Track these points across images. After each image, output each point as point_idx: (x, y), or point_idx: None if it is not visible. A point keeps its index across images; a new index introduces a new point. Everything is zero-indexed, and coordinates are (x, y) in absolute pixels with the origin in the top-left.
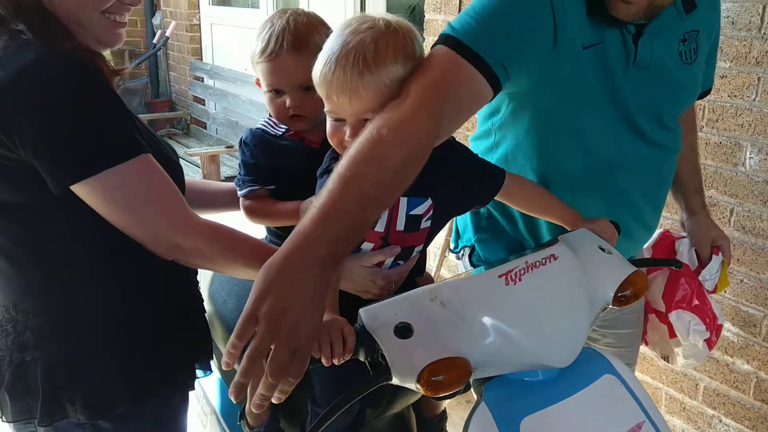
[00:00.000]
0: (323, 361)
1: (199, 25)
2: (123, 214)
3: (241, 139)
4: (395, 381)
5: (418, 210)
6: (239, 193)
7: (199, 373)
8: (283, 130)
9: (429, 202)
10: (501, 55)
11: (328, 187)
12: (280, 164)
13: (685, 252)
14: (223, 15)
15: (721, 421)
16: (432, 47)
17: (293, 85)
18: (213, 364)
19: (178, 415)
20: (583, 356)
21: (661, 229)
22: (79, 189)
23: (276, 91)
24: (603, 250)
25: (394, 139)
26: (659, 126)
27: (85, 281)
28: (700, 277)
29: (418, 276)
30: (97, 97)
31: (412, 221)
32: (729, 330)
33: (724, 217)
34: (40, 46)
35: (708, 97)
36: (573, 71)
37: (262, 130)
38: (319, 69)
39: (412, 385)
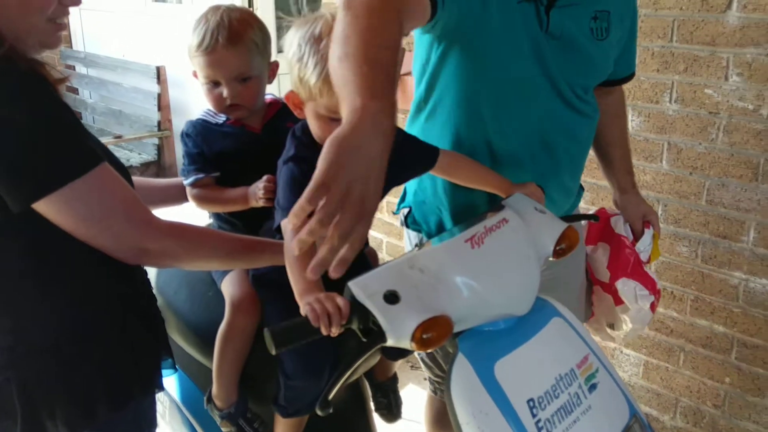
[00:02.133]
0: (322, 329)
1: None
2: (88, 226)
3: (182, 132)
4: (390, 342)
5: None
6: (185, 182)
7: (166, 372)
8: (224, 119)
9: None
10: None
11: (361, 72)
12: (224, 151)
13: (621, 227)
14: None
15: (622, 351)
16: None
17: (230, 76)
18: None
19: (151, 415)
20: (535, 304)
21: (598, 207)
22: (40, 205)
23: (213, 83)
24: (538, 210)
25: (386, 22)
26: (574, 94)
27: (49, 294)
28: (636, 248)
29: (365, 248)
30: (50, 109)
31: None
32: None
33: None
34: None
35: None
36: (504, 24)
37: (203, 120)
38: (316, 73)
39: (406, 345)
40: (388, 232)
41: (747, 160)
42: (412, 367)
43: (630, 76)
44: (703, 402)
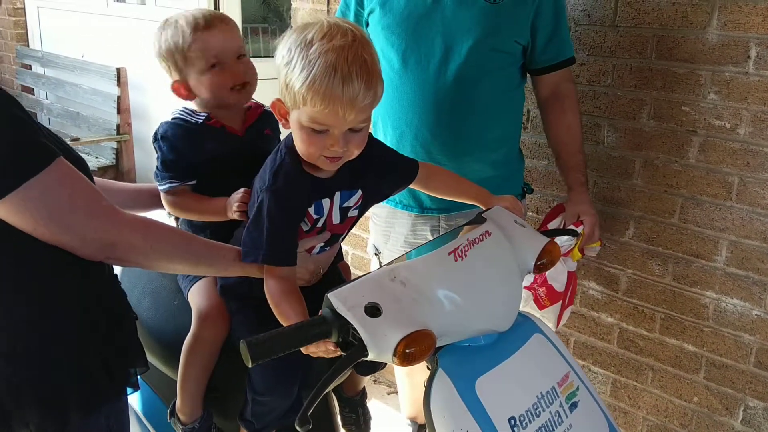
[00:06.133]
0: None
1: (24, 8)
2: (49, 225)
3: (157, 134)
4: (371, 357)
5: (350, 202)
6: (160, 187)
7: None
8: (203, 119)
9: (359, 193)
10: None
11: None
12: (204, 153)
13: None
14: None
15: (590, 369)
16: None
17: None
18: None
19: (125, 417)
20: (516, 320)
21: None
22: None
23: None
24: (518, 223)
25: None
26: (466, 57)
27: (17, 298)
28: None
29: (338, 261)
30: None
31: (344, 212)
32: (593, 288)
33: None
34: None
35: None
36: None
37: (182, 120)
38: (302, 78)
39: (388, 359)
40: (354, 245)
41: (722, 179)
42: (375, 381)
43: (564, 62)
44: (670, 421)
